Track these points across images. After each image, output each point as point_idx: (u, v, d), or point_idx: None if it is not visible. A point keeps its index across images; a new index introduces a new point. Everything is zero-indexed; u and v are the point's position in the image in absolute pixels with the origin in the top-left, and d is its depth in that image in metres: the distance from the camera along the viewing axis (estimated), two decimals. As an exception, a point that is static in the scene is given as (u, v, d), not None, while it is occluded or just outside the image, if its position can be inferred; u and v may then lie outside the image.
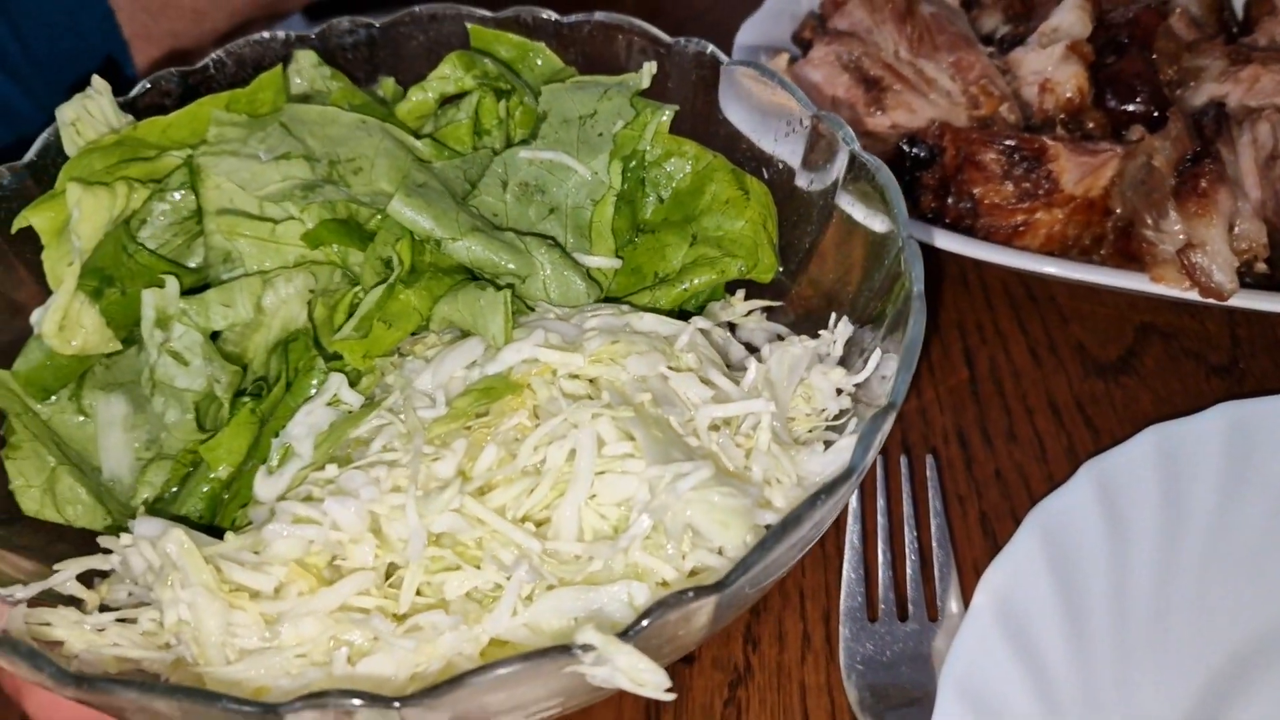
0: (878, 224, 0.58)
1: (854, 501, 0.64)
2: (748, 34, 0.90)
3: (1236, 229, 0.67)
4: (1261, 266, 0.69)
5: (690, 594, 0.42)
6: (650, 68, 0.67)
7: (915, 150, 0.74)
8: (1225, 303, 0.66)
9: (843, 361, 0.60)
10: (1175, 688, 0.56)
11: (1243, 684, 0.56)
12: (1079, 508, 0.59)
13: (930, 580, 0.61)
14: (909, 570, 0.61)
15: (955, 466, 0.68)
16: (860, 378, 0.57)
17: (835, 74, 0.80)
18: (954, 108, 0.79)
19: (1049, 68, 0.78)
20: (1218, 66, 0.79)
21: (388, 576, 0.53)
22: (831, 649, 0.60)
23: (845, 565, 0.61)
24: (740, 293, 0.66)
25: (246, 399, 0.60)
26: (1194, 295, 0.67)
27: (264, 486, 0.58)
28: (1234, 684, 0.56)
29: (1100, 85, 0.78)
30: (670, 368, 0.57)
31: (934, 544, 0.62)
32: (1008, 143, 0.72)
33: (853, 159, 0.59)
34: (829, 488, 0.45)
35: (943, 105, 0.79)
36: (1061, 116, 0.78)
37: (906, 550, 0.62)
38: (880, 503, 0.64)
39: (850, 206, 0.60)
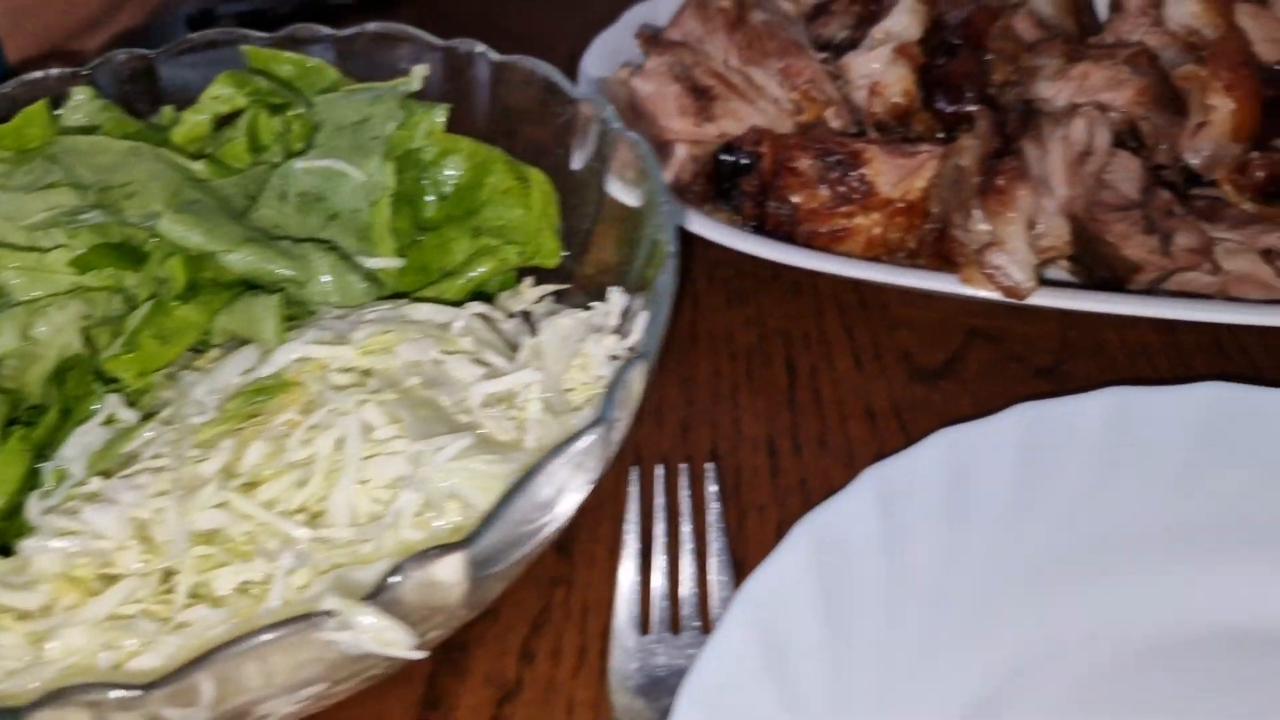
0: (640, 197, 0.59)
1: (634, 511, 0.62)
2: (598, 49, 0.90)
3: (1039, 226, 0.66)
4: (1065, 264, 0.68)
5: (434, 552, 0.42)
6: (421, 70, 0.68)
7: (731, 157, 0.73)
8: (1023, 301, 0.65)
9: (620, 331, 0.60)
10: (942, 708, 0.54)
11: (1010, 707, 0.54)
12: (855, 515, 0.58)
13: (708, 592, 0.60)
14: (686, 582, 0.60)
15: (761, 475, 0.67)
16: (631, 341, 0.58)
17: (666, 84, 0.79)
18: (781, 114, 0.78)
19: (877, 70, 0.77)
20: (1053, 65, 0.78)
21: (167, 580, 0.53)
22: (606, 664, 0.58)
23: (620, 577, 0.60)
24: (528, 280, 0.66)
25: (17, 428, 0.60)
26: (1002, 296, 0.66)
27: (35, 510, 0.58)
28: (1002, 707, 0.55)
29: (929, 87, 0.77)
30: (445, 351, 0.57)
31: (712, 555, 0.61)
32: (822, 147, 0.71)
33: (615, 138, 0.60)
34: (573, 438, 0.45)
35: (770, 112, 0.78)
36: (889, 119, 0.77)
37: (682, 561, 0.60)
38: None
39: (618, 184, 0.61)
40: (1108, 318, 0.75)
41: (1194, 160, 0.73)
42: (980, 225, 0.65)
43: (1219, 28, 0.76)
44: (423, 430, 0.51)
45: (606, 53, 0.89)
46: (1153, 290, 0.71)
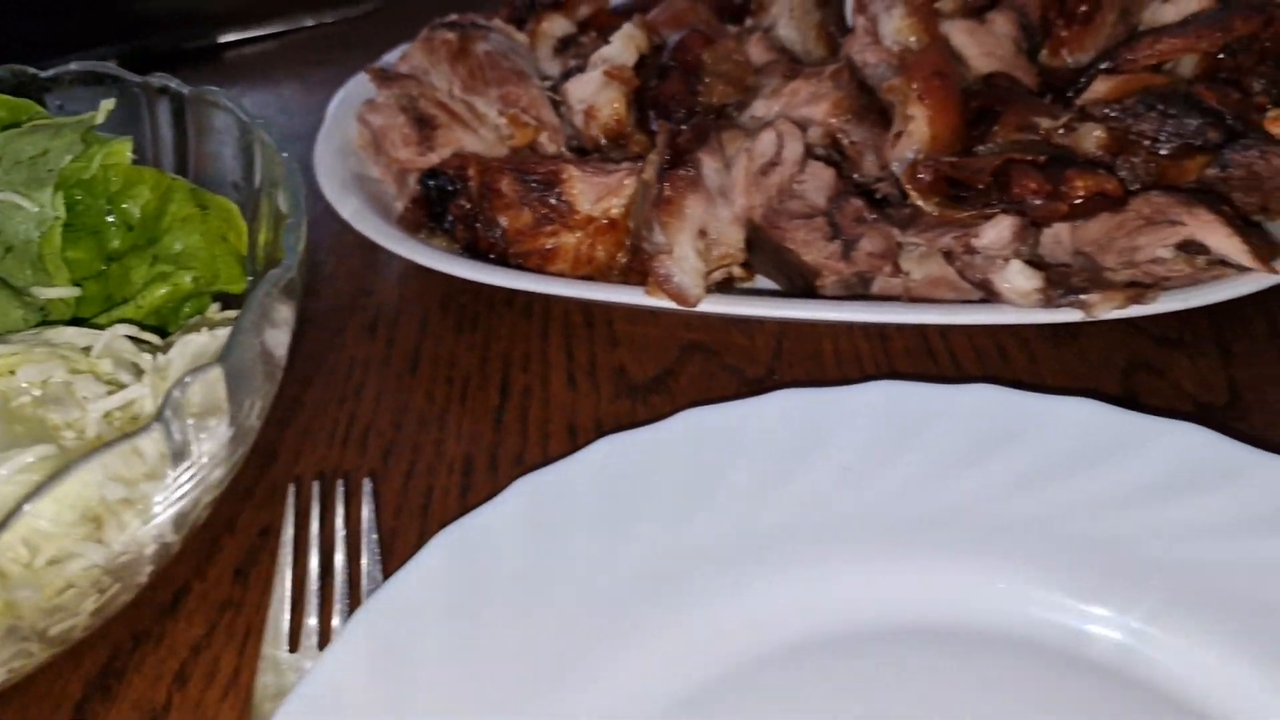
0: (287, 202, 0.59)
1: (288, 531, 0.61)
2: (357, 83, 0.91)
3: (711, 234, 0.66)
4: (739, 271, 0.68)
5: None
6: (108, 104, 0.68)
7: (436, 183, 0.73)
8: (694, 308, 0.65)
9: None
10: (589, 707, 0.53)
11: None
12: (501, 522, 0.57)
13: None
14: (336, 600, 0.58)
15: (451, 494, 0.66)
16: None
17: (394, 116, 0.80)
18: (499, 140, 0.78)
19: (590, 94, 0.78)
20: (772, 85, 0.79)
21: None
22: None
23: (274, 596, 0.59)
24: (215, 305, 0.66)
25: None
26: (674, 304, 0.66)
27: None
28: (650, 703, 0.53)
29: (644, 109, 0.78)
30: (73, 371, 0.57)
31: (364, 573, 0.60)
32: (522, 169, 0.72)
33: (261, 153, 0.60)
34: (113, 442, 0.44)
35: (489, 139, 0.78)
36: (607, 140, 0.78)
37: (336, 579, 0.59)
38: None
39: (276, 196, 0.61)
40: (823, 328, 0.75)
41: (897, 169, 0.74)
42: (658, 236, 0.66)
43: (924, 42, 0.78)
44: (5, 444, 0.50)
45: (361, 87, 0.90)
46: (863, 297, 0.71)
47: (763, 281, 0.74)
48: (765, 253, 0.69)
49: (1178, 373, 0.70)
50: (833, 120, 0.74)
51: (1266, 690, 0.51)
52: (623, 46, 0.79)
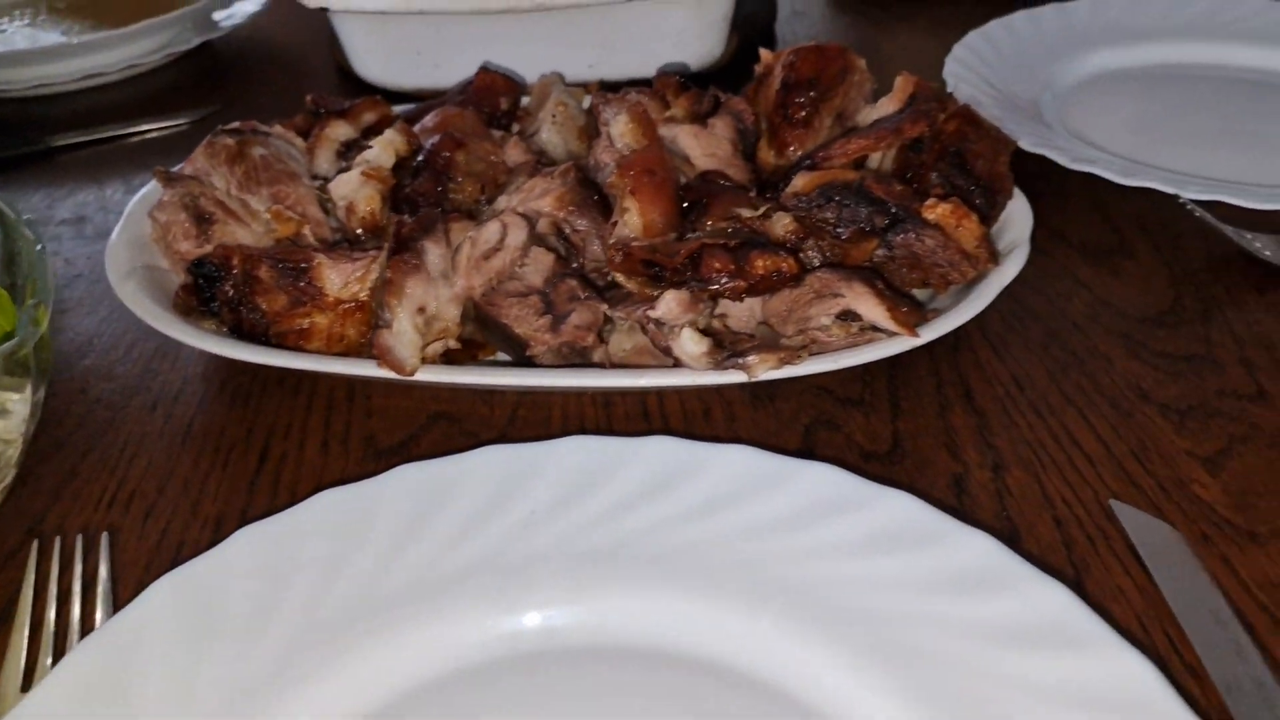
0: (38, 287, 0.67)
1: (29, 584, 0.68)
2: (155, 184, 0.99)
3: (430, 311, 0.76)
4: (453, 343, 0.78)
5: None
6: None
7: (202, 271, 0.82)
8: (411, 378, 0.74)
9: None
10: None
11: None
12: (221, 566, 0.65)
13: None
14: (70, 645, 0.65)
15: (200, 549, 0.73)
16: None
17: (177, 213, 0.88)
18: (269, 234, 0.87)
19: (350, 192, 0.88)
20: (518, 183, 0.90)
21: None
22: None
23: (9, 651, 0.65)
24: None
25: None
26: (394, 374, 0.75)
27: None
28: None
29: (397, 205, 0.88)
30: None
31: (99, 621, 0.67)
32: (277, 257, 0.81)
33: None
34: None
35: (259, 232, 0.87)
36: (365, 232, 0.87)
37: (71, 630, 0.66)
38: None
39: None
40: (555, 397, 0.85)
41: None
42: (385, 313, 0.75)
43: (643, 145, 0.90)
44: None
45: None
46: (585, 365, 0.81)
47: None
48: (490, 328, 0.79)
49: (852, 426, 0.81)
50: (559, 213, 0.84)
51: (862, 688, 0.60)
52: (381, 150, 0.89)
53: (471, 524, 0.68)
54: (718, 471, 0.69)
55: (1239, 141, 1.18)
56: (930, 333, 0.78)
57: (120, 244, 0.92)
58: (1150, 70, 1.35)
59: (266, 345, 0.82)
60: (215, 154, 0.91)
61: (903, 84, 0.98)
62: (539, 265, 0.80)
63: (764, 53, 1.06)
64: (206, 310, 0.84)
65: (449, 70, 1.31)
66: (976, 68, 1.26)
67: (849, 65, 1.03)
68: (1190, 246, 1.01)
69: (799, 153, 1.00)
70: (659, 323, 0.75)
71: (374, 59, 1.34)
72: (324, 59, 1.61)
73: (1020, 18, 1.38)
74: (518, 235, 0.80)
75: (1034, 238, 0.89)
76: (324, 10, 1.28)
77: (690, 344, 0.73)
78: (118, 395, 0.89)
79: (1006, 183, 0.93)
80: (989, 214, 0.91)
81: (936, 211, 0.83)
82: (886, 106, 0.99)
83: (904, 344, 0.77)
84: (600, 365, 0.81)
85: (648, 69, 1.32)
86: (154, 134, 1.37)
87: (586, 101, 1.11)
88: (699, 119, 0.97)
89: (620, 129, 0.91)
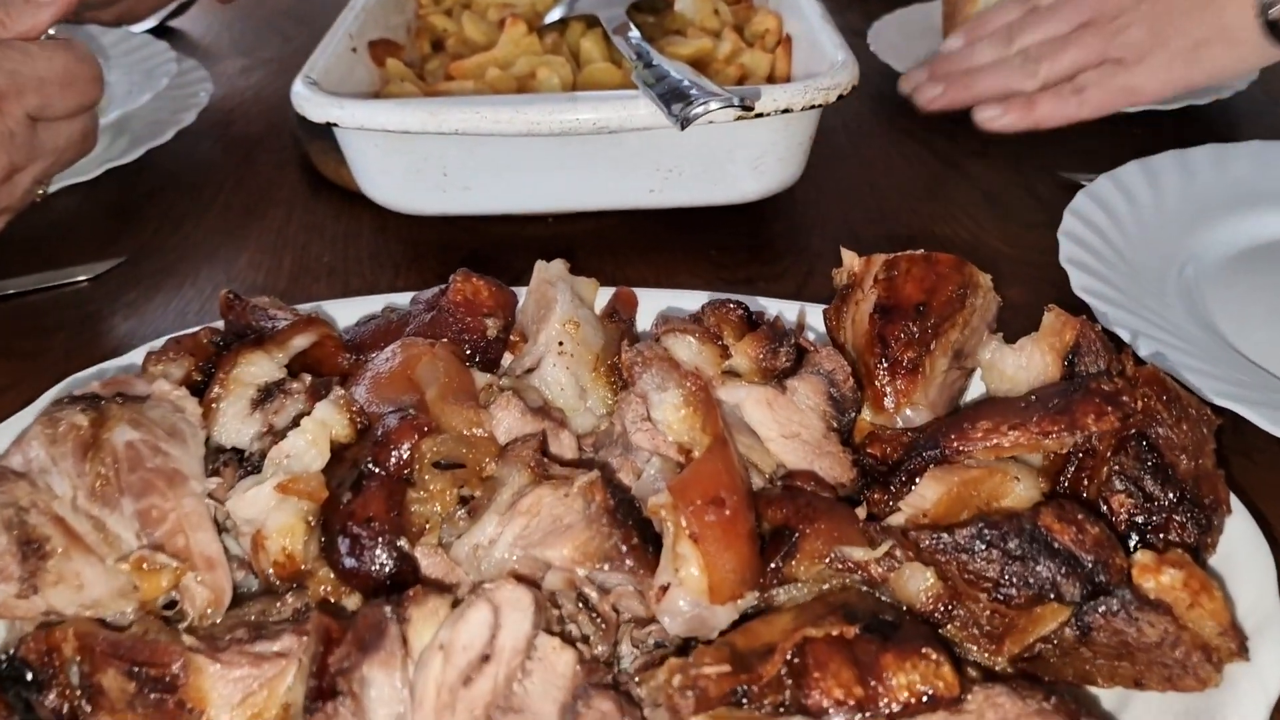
0: None
1: None
2: None
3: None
4: None
5: None
6: None
7: (11, 670, 0.52)
8: None
9: None
10: None
11: None
12: None
13: None
14: None
15: None
16: None
17: (-5, 533, 0.58)
18: (134, 579, 0.57)
19: (259, 514, 0.58)
20: (514, 484, 0.61)
21: None
22: None
23: None
24: None
25: None
26: None
27: None
28: None
29: (331, 533, 0.58)
30: None
31: None
32: (134, 657, 0.51)
33: None
34: None
35: (121, 579, 0.57)
36: (281, 581, 0.57)
37: None
38: None
39: None
40: None
41: (669, 626, 0.55)
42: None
43: (703, 442, 0.60)
44: None
45: None
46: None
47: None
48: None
49: None
50: (580, 567, 0.55)
51: None
52: (310, 439, 0.60)
53: None
54: None
55: None
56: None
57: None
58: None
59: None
60: (58, 440, 0.61)
61: (1057, 326, 0.70)
62: (552, 677, 0.51)
63: (848, 254, 0.77)
64: (22, 721, 0.53)
65: (480, 194, 1.04)
66: (1096, 246, 0.98)
67: (969, 283, 0.74)
68: None
69: (903, 406, 0.71)
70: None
71: (389, 179, 1.04)
72: (282, 155, 1.31)
73: (1133, 173, 1.08)
74: (517, 628, 0.51)
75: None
76: (332, 125, 0.99)
77: None
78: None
79: (1219, 488, 0.64)
80: (1203, 542, 0.62)
81: (1159, 580, 0.54)
82: (1034, 356, 0.70)
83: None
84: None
85: (716, 196, 1.04)
86: (32, 295, 1.05)
87: (597, 294, 0.82)
88: (773, 375, 0.68)
89: (669, 415, 0.62)
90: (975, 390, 0.76)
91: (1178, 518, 0.61)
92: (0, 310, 1.02)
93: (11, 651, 0.52)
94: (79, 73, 0.94)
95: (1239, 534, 0.63)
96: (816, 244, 1.09)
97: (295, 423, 0.68)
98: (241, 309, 0.78)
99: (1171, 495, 0.62)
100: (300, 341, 0.73)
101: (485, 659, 0.50)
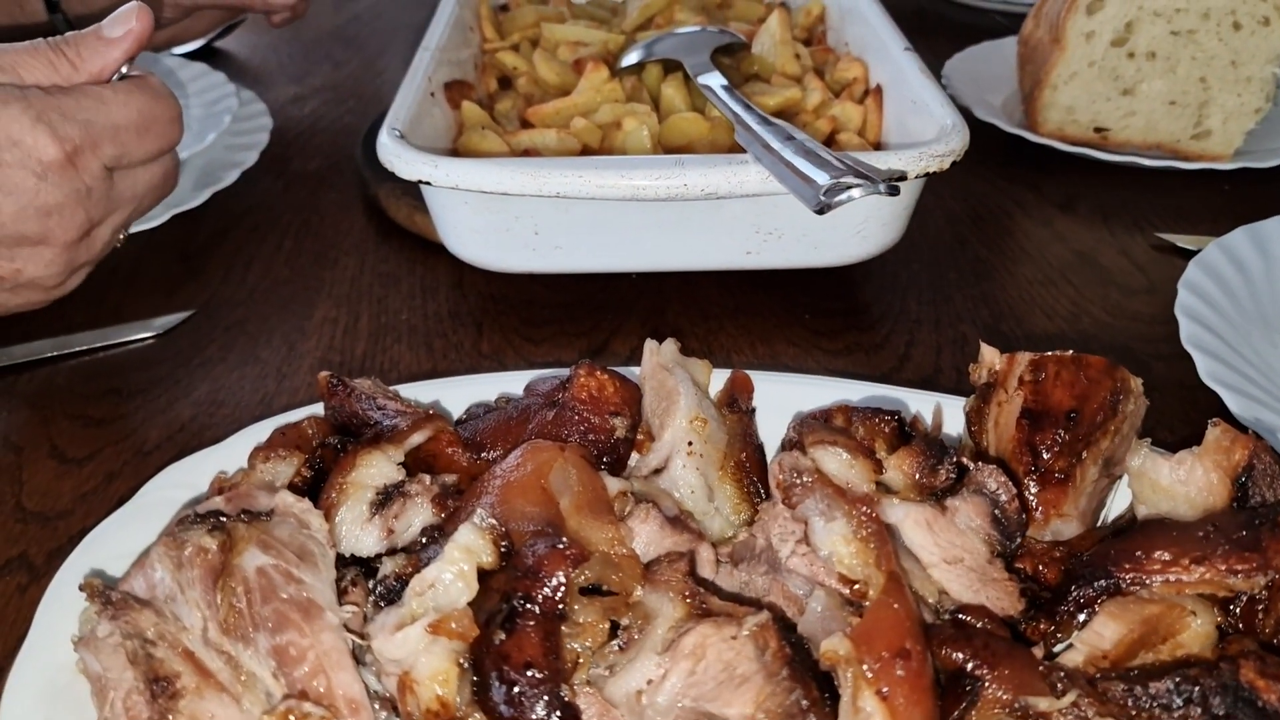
0: None
1: None
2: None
3: None
4: None
5: None
6: None
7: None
8: None
9: None
10: None
11: None
12: None
13: None
14: None
15: None
16: None
17: (120, 667, 0.54)
18: (272, 723, 0.53)
19: (408, 655, 0.54)
20: (667, 618, 0.57)
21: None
22: None
23: None
24: None
25: None
26: None
27: None
28: None
29: (484, 675, 0.54)
30: None
31: None
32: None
33: None
34: None
35: (256, 715, 0.53)
36: (430, 728, 0.53)
37: None
38: None
39: None
40: None
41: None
42: None
43: (877, 582, 0.57)
44: None
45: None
46: None
47: None
48: None
49: None
50: (758, 723, 0.51)
51: None
52: (456, 573, 0.56)
53: None
54: None
55: None
56: None
57: (22, 689, 0.58)
58: None
59: None
60: (184, 565, 0.57)
61: (1225, 443, 0.66)
62: None
63: (988, 350, 0.74)
64: None
65: (571, 254, 1.00)
66: (1217, 326, 0.94)
67: (1122, 389, 0.70)
68: None
69: (1053, 518, 0.68)
70: None
71: (476, 237, 1.00)
72: (347, 195, 1.27)
73: (1241, 241, 1.04)
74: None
75: None
76: (424, 184, 0.95)
77: None
78: None
79: None
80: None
81: (1379, 748, 0.51)
82: (1196, 473, 0.66)
83: None
84: None
85: (815, 259, 1.01)
86: (100, 351, 1.01)
87: (711, 377, 0.78)
88: (931, 493, 0.64)
89: (838, 546, 0.58)
90: (1120, 495, 0.73)
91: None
92: (68, 369, 0.98)
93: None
94: (157, 113, 0.89)
95: None
96: (914, 309, 1.05)
97: (422, 534, 0.65)
98: (345, 395, 0.74)
99: (1361, 640, 0.58)
100: (418, 439, 0.70)
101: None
